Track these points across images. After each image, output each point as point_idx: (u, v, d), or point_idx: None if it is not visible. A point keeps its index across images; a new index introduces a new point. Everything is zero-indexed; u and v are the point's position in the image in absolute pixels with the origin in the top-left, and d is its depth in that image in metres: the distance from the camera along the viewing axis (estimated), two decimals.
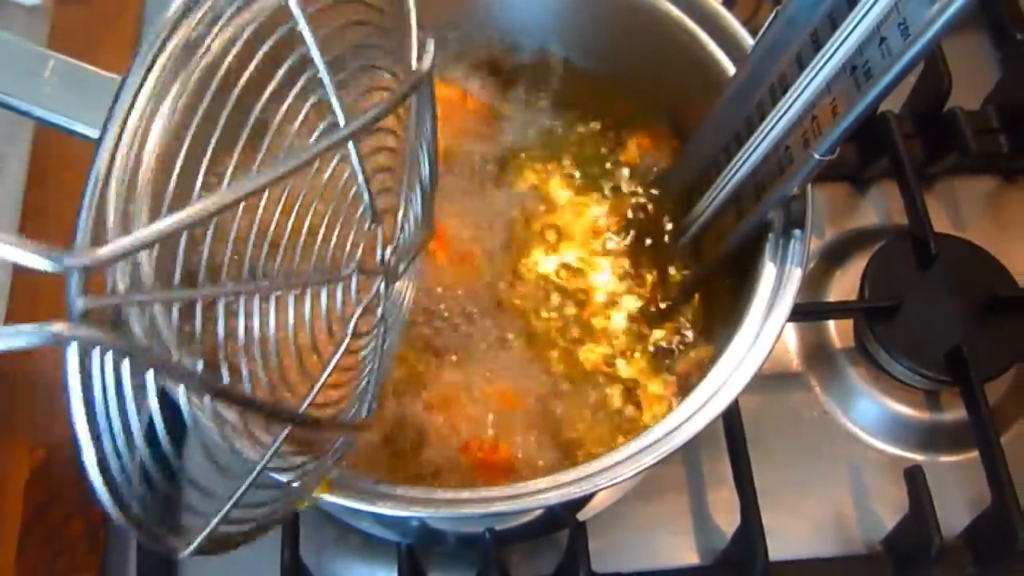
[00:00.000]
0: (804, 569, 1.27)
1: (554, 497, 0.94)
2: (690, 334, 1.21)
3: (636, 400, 1.18)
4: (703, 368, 1.16)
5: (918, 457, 1.35)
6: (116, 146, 0.71)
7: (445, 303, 1.20)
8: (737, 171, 1.10)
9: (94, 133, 1.09)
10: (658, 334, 1.21)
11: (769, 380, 1.39)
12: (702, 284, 1.22)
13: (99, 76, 1.11)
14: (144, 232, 0.56)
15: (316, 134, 0.81)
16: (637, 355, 1.20)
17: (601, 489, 0.95)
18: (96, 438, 0.59)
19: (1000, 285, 1.38)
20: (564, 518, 1.19)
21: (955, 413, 1.35)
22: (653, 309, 1.23)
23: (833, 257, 1.48)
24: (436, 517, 1.01)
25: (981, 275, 1.39)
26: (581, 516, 1.19)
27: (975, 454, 1.28)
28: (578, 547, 1.18)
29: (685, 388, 1.17)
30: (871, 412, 1.37)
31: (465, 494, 0.95)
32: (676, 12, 1.20)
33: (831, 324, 1.42)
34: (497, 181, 1.28)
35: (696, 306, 1.22)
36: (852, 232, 1.52)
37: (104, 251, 0.56)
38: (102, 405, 0.61)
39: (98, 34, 1.65)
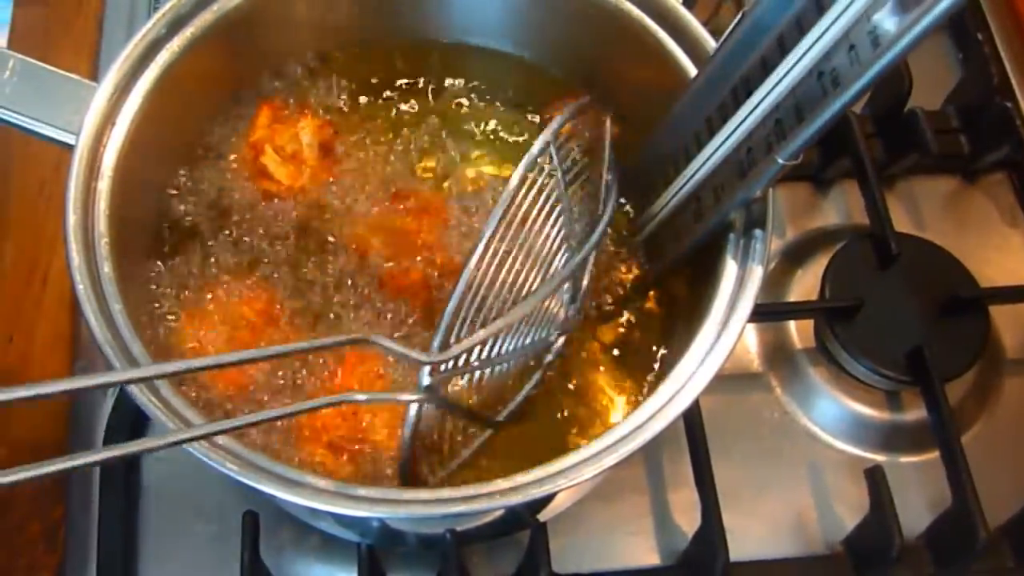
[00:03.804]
0: (765, 569, 1.27)
1: (515, 498, 0.94)
2: (651, 333, 1.21)
3: (593, 403, 1.18)
4: (664, 368, 1.16)
5: (879, 457, 1.35)
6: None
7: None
8: (697, 171, 1.09)
9: (55, 133, 1.09)
10: (617, 333, 1.21)
11: (730, 380, 1.39)
12: (659, 282, 1.22)
13: (59, 76, 1.11)
14: (469, 341, 0.96)
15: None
16: (596, 354, 1.20)
17: (561, 490, 0.95)
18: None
19: (960, 285, 1.38)
20: (525, 519, 1.19)
21: (916, 413, 1.35)
22: (610, 307, 1.23)
23: (794, 257, 1.48)
24: (396, 518, 1.00)
25: (942, 275, 1.40)
26: (542, 517, 1.19)
27: (936, 454, 1.29)
28: (539, 547, 1.17)
29: (646, 388, 1.17)
30: (832, 412, 1.38)
31: (425, 495, 0.94)
32: (635, 11, 1.19)
33: (792, 324, 1.43)
34: (446, 183, 1.28)
35: (656, 305, 1.22)
36: (813, 232, 1.52)
37: (446, 355, 0.95)
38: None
39: (57, 34, 1.64)
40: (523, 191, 1.03)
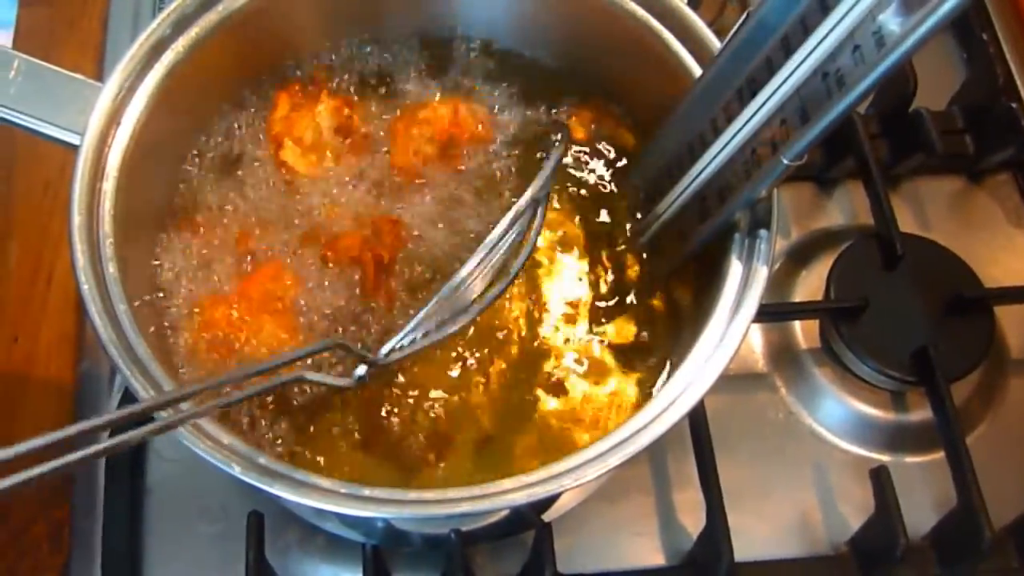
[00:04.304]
0: (769, 570, 1.27)
1: (520, 498, 0.94)
2: (655, 334, 1.20)
3: (598, 403, 1.18)
4: (668, 368, 1.16)
5: (884, 458, 1.35)
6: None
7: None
8: (702, 172, 1.09)
9: (59, 133, 1.08)
10: (622, 333, 1.21)
11: (735, 381, 1.39)
12: (663, 282, 1.22)
13: (64, 76, 1.10)
14: (411, 349, 1.11)
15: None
16: (600, 354, 1.20)
17: (567, 490, 0.95)
18: None
19: (966, 285, 1.38)
20: (530, 519, 1.19)
21: (921, 413, 1.36)
22: (615, 307, 1.22)
23: (799, 257, 1.48)
24: (401, 518, 1.00)
25: (947, 275, 1.40)
26: (547, 517, 1.19)
27: (941, 455, 1.29)
28: (544, 548, 1.17)
29: (650, 389, 1.17)
30: (837, 413, 1.37)
31: (430, 495, 0.94)
32: (640, 11, 1.19)
33: (797, 325, 1.43)
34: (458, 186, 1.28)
35: (660, 305, 1.22)
36: (818, 232, 1.52)
37: (389, 359, 1.10)
38: None
39: (62, 34, 1.65)
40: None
